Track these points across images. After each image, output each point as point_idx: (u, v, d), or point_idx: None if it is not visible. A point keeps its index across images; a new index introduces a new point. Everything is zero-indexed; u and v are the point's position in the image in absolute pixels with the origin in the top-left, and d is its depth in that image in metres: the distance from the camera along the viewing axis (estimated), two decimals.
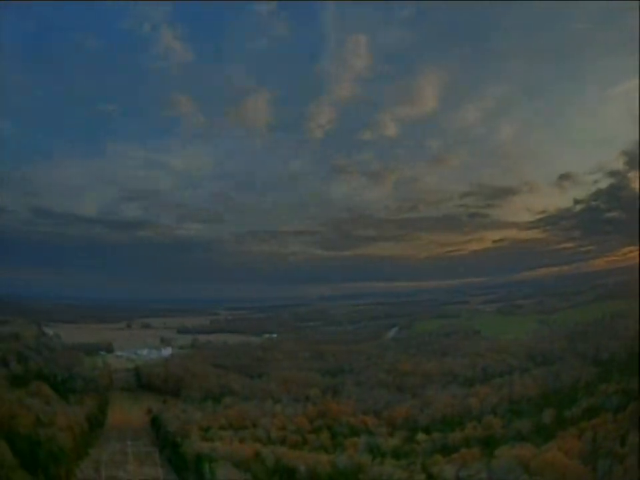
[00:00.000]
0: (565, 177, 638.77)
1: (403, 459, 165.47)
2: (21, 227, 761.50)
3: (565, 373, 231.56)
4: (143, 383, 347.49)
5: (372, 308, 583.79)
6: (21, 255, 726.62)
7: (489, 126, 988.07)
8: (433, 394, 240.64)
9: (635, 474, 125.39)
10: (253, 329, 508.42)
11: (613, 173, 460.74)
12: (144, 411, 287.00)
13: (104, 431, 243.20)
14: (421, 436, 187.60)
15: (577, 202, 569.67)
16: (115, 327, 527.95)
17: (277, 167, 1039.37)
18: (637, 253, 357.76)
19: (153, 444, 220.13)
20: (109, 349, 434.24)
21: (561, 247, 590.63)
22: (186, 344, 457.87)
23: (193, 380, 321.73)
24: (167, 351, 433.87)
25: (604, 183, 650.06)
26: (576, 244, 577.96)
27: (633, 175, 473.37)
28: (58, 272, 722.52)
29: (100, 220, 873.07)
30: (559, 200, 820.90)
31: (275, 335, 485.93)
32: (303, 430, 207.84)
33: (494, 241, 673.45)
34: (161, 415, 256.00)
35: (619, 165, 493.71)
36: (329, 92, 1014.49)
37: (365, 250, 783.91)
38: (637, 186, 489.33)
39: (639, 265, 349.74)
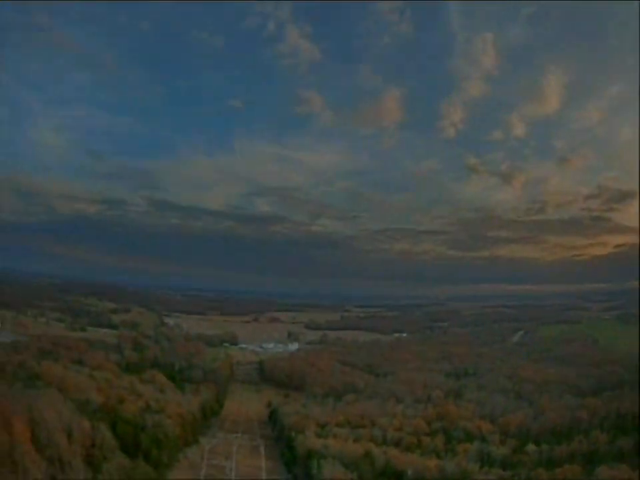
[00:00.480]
0: None
1: (510, 469, 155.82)
2: (142, 219, 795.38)
3: None
4: (266, 376, 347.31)
5: (499, 310, 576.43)
6: (143, 246, 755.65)
7: (611, 126, 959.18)
8: (547, 403, 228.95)
9: None
10: (383, 327, 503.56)
11: None
12: (264, 403, 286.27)
13: (218, 421, 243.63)
14: (530, 446, 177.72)
15: None
16: (242, 320, 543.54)
17: (409, 166, 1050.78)
18: None
19: (265, 437, 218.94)
20: (234, 341, 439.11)
21: None
22: (314, 339, 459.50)
23: (318, 376, 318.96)
24: (293, 346, 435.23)
25: None
26: None
27: None
28: (183, 264, 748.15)
29: (229, 214, 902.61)
30: None
31: (404, 334, 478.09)
32: (420, 432, 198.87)
33: (615, 246, 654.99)
34: (279, 408, 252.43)
35: None
36: (459, 90, 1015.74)
37: (493, 251, 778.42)
38: None
39: None
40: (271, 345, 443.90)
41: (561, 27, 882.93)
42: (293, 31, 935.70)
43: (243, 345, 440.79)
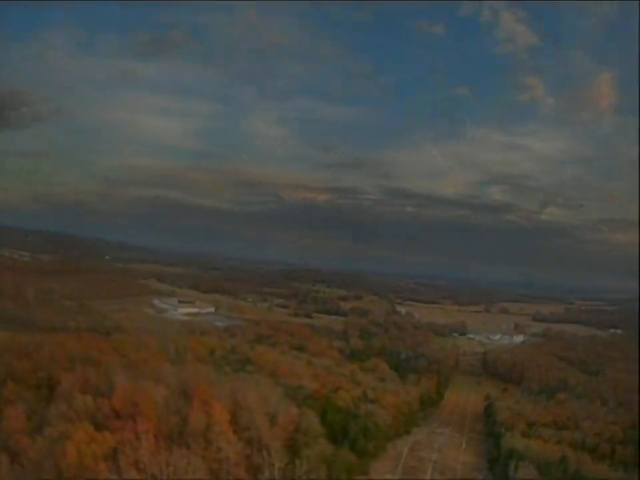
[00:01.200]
0: None
1: None
2: (375, 207, 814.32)
3: None
4: (488, 368, 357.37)
5: None
6: (376, 234, 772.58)
7: None
8: None
9: None
10: (601, 322, 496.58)
11: None
12: (482, 396, 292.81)
13: (435, 412, 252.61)
14: None
15: None
16: (472, 310, 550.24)
17: (627, 152, 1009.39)
18: None
19: (476, 431, 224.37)
20: (462, 331, 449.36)
21: None
22: (538, 332, 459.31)
23: (536, 371, 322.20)
24: (518, 338, 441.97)
25: None
26: None
27: None
28: (417, 251, 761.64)
29: (463, 202, 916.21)
30: None
31: (619, 331, 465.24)
32: (615, 440, 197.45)
33: None
34: (495, 403, 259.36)
35: None
36: None
37: None
38: None
39: None
40: (498, 337, 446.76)
41: None
42: (507, 16, 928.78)
43: (471, 335, 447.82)
